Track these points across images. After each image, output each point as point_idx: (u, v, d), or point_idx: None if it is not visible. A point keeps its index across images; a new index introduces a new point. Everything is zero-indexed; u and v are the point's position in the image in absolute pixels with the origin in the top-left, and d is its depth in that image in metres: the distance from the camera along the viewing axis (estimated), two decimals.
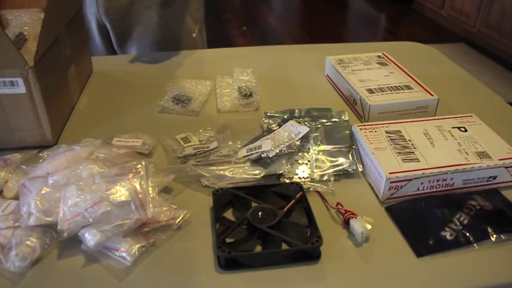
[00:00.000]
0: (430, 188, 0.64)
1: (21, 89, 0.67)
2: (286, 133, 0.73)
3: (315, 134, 0.74)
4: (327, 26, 4.05)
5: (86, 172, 0.57)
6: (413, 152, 0.66)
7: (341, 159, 0.69)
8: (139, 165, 0.59)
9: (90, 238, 0.52)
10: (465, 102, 0.90)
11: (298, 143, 0.71)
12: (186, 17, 1.19)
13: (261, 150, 0.69)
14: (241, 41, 3.65)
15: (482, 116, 0.75)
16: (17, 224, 0.55)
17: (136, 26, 1.14)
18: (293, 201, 0.60)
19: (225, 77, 0.96)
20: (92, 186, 0.55)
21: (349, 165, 0.68)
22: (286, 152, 0.69)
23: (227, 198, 0.62)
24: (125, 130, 0.77)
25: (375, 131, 0.71)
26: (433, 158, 0.64)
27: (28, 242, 0.53)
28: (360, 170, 0.68)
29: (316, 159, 0.69)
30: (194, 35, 1.23)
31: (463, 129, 0.71)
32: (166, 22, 1.16)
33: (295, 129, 0.74)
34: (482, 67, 3.17)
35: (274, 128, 0.76)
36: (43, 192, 0.55)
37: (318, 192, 0.64)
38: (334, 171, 0.67)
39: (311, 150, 0.71)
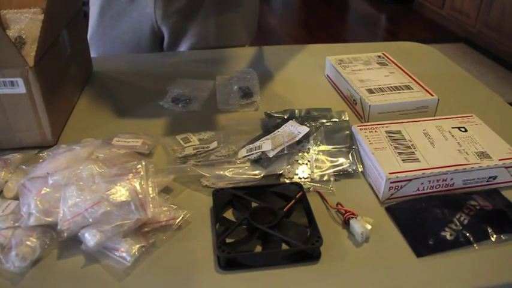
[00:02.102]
0: (430, 188, 0.64)
1: (21, 89, 0.67)
2: (286, 133, 0.73)
3: (315, 134, 0.74)
4: (327, 26, 4.05)
5: (86, 172, 0.57)
6: (413, 152, 0.66)
7: (341, 160, 0.69)
8: (139, 165, 0.59)
9: (90, 238, 0.52)
10: (465, 102, 0.90)
11: (298, 143, 0.71)
12: (242, 29, 1.16)
13: (261, 150, 0.69)
14: None
15: (482, 116, 0.75)
16: (17, 224, 0.54)
17: (192, 32, 1.11)
18: (293, 201, 0.60)
19: (225, 77, 0.96)
20: (92, 186, 0.55)
21: (349, 166, 0.68)
22: (286, 152, 0.69)
23: (227, 198, 0.62)
24: (124, 130, 0.77)
25: (375, 131, 0.71)
26: (433, 158, 0.64)
27: (28, 242, 0.53)
28: (360, 170, 0.68)
29: (316, 160, 0.69)
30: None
31: (463, 129, 0.71)
32: (223, 32, 1.12)
33: (295, 129, 0.74)
34: (482, 67, 3.17)
35: (274, 128, 0.76)
36: (43, 192, 0.55)
37: (318, 192, 0.64)
38: (334, 172, 0.67)
39: (311, 150, 0.71)
